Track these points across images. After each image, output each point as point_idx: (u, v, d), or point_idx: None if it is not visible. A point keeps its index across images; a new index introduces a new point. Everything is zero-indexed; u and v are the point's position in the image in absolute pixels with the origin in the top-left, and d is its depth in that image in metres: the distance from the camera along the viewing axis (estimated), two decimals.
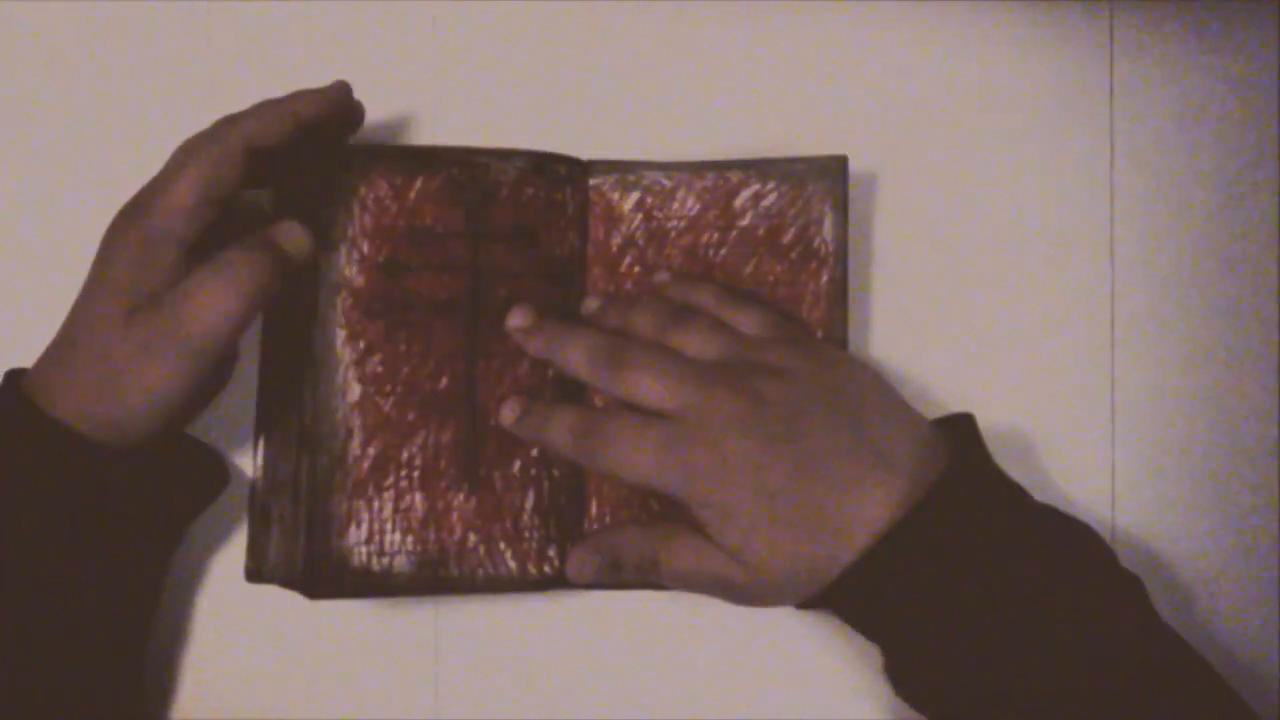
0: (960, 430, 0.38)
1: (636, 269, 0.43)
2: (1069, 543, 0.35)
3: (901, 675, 0.36)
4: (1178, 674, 0.34)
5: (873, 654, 0.42)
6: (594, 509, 0.41)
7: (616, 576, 0.39)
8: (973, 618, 0.33)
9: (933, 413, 0.43)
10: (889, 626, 0.36)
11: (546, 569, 0.40)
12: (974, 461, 0.36)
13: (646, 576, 0.38)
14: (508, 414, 0.40)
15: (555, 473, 0.41)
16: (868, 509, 0.34)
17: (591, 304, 0.42)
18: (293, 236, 0.38)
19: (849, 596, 0.35)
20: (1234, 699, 0.34)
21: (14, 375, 0.37)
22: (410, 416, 0.40)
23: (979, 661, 0.33)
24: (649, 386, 0.37)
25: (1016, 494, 0.36)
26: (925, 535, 0.34)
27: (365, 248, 0.40)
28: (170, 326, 0.35)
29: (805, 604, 0.36)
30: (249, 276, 0.36)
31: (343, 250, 0.40)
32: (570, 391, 0.41)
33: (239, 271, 0.36)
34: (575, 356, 0.39)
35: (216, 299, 0.35)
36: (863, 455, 0.35)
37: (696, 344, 0.38)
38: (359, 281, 0.40)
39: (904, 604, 0.34)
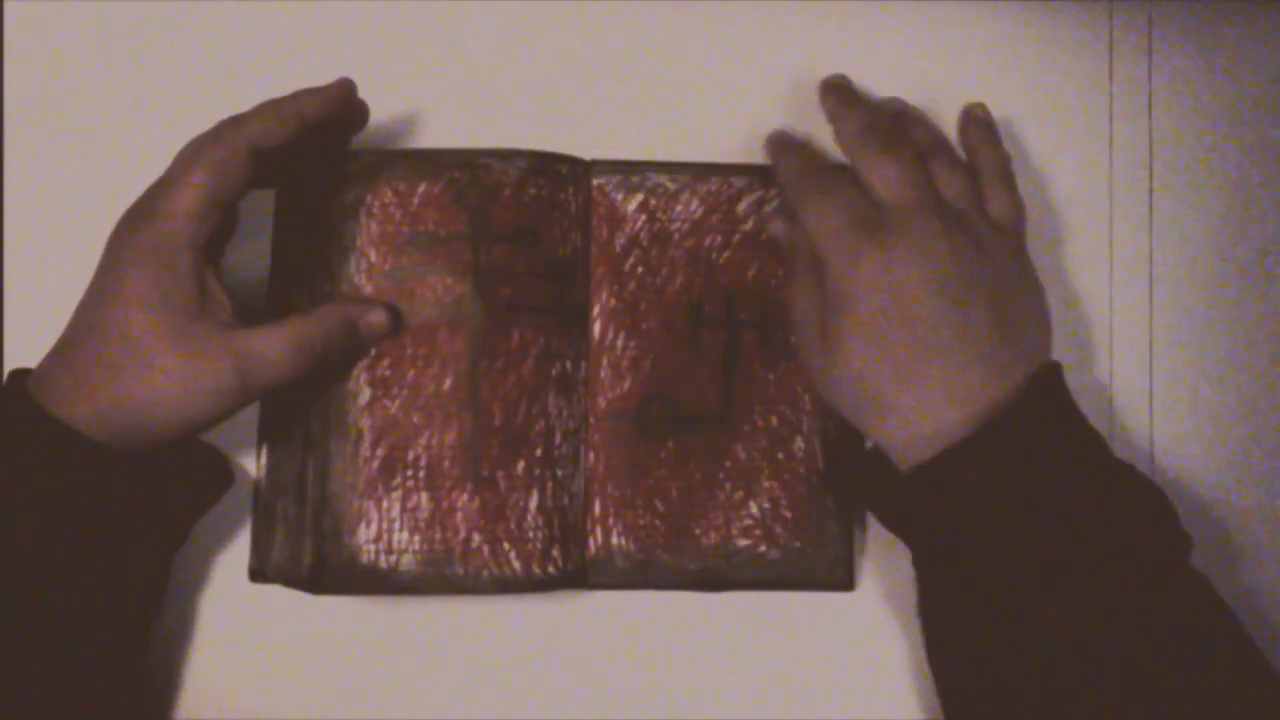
0: (1049, 374, 0.38)
1: (640, 269, 0.43)
2: (1132, 496, 0.36)
3: (934, 599, 0.37)
4: (1210, 643, 0.34)
5: (873, 656, 0.42)
6: (597, 509, 0.42)
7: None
8: (1028, 539, 0.34)
9: None
10: (946, 529, 0.36)
11: (550, 569, 0.40)
12: (1063, 395, 0.37)
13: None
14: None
15: (559, 473, 0.41)
16: (978, 399, 0.35)
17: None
18: (374, 324, 0.40)
19: (922, 484, 0.36)
20: (1261, 665, 0.34)
21: (18, 375, 0.37)
22: (415, 418, 0.40)
23: (1016, 589, 0.34)
24: (893, 173, 0.38)
25: (1096, 438, 0.37)
26: (1007, 447, 0.35)
27: (372, 255, 0.41)
28: (234, 368, 0.36)
29: (871, 496, 0.38)
30: (322, 348, 0.38)
31: (351, 259, 0.41)
32: (572, 390, 0.42)
33: (314, 341, 0.38)
34: (853, 121, 0.40)
35: (287, 360, 0.37)
36: (1004, 345, 0.36)
37: (948, 180, 0.39)
38: (367, 289, 0.41)
39: (957, 511, 0.35)
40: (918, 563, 0.38)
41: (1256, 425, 0.44)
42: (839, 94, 0.42)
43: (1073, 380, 0.37)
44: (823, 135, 0.44)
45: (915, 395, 0.36)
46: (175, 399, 0.36)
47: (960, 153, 0.42)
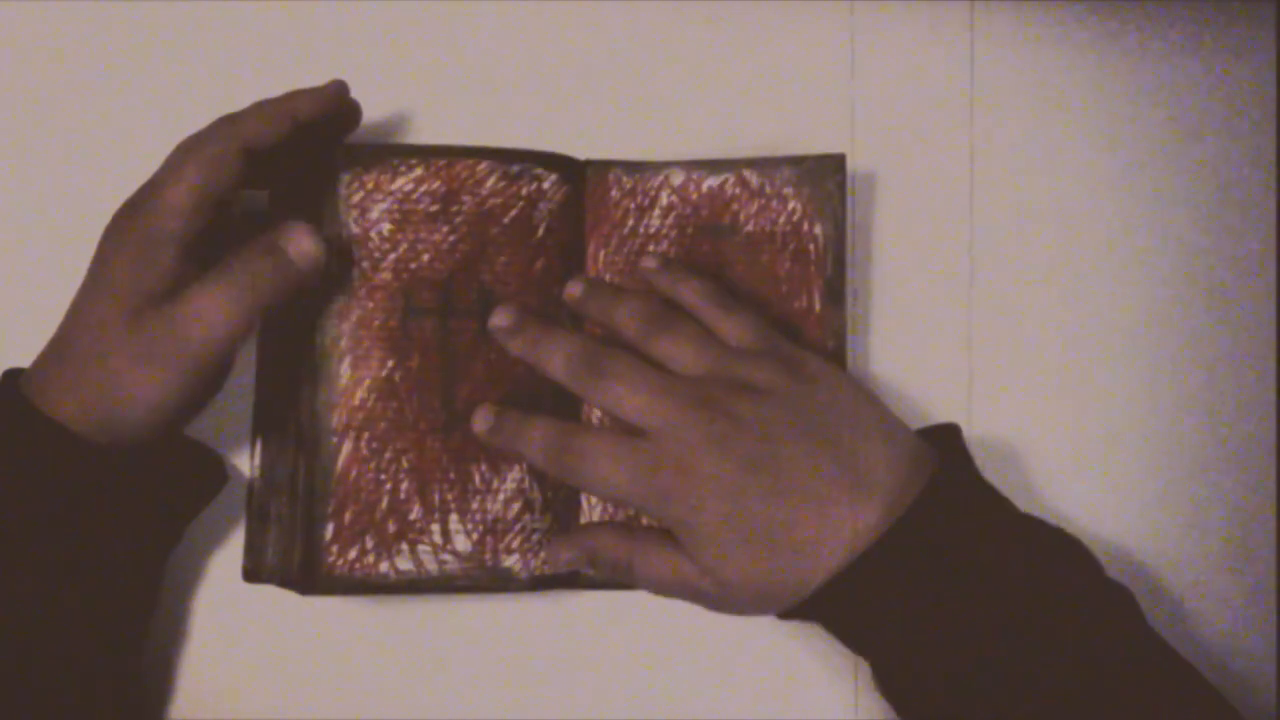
0: (946, 441, 0.38)
1: (635, 269, 0.43)
2: (1054, 553, 0.36)
3: (888, 683, 0.36)
4: (1167, 683, 0.34)
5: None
6: (586, 508, 0.42)
7: (591, 572, 0.39)
8: (958, 628, 0.33)
9: (933, 414, 0.43)
10: (872, 638, 0.36)
11: (546, 569, 0.40)
12: (958, 473, 0.36)
13: (620, 577, 0.38)
14: (479, 424, 0.39)
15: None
16: (843, 529, 0.34)
17: (575, 289, 0.41)
18: (301, 244, 0.38)
19: (827, 610, 0.35)
20: (1225, 708, 0.34)
21: (12, 374, 0.37)
22: (407, 417, 0.40)
23: (965, 671, 0.34)
24: (627, 400, 0.37)
25: (1001, 505, 0.36)
26: (906, 549, 0.34)
27: (356, 252, 0.41)
28: (171, 334, 0.35)
29: (785, 615, 0.36)
30: (252, 287, 0.36)
31: (338, 253, 0.41)
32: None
33: (242, 281, 0.36)
34: (556, 362, 0.38)
35: (219, 309, 0.35)
36: (840, 477, 0.35)
37: (678, 354, 0.38)
38: (362, 289, 0.41)
39: (885, 617, 0.34)
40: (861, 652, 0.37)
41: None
42: (527, 334, 0.39)
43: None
44: (816, 136, 0.44)
45: (810, 536, 0.35)
46: (131, 383, 0.35)
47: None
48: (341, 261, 0.40)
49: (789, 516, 0.35)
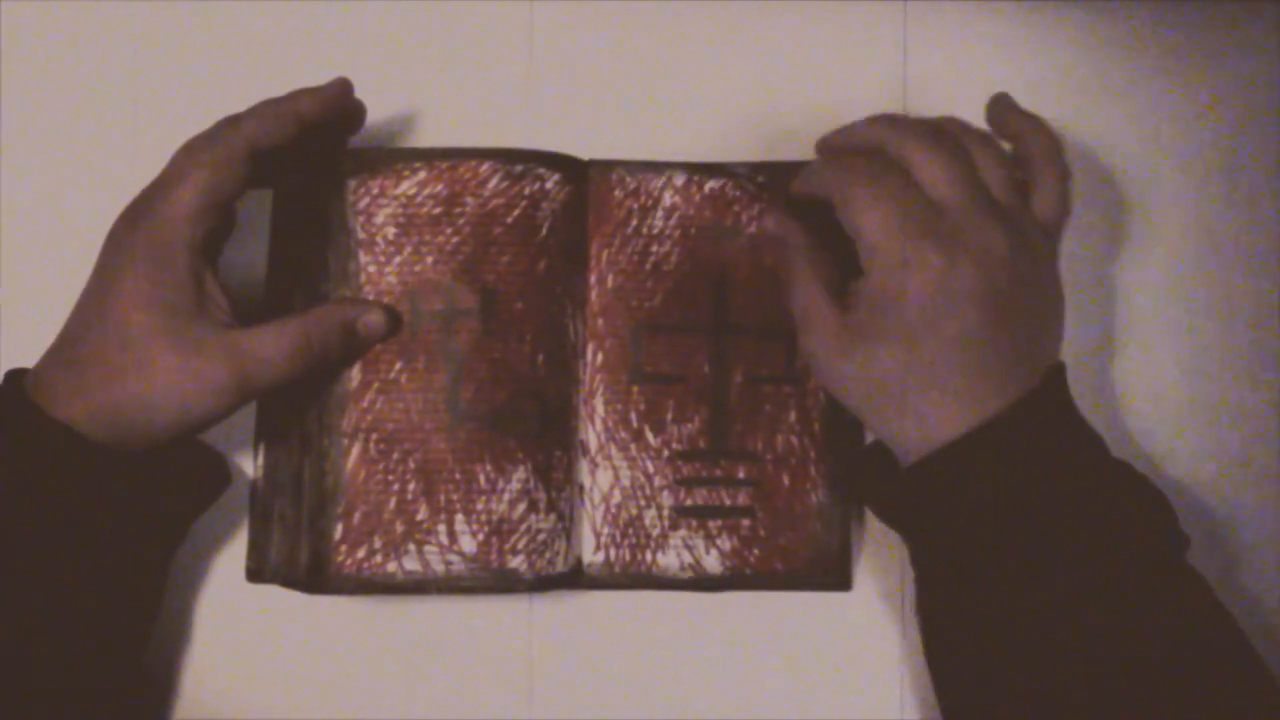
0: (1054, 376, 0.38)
1: (638, 269, 0.43)
2: (1134, 499, 0.36)
3: (928, 584, 0.37)
4: (1215, 661, 0.34)
5: (870, 655, 0.42)
6: (590, 508, 0.42)
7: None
8: (1019, 551, 0.34)
9: None
10: (933, 526, 0.36)
11: (548, 569, 0.40)
12: (1060, 400, 0.37)
13: (782, 271, 0.40)
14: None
15: (556, 475, 0.41)
16: (971, 410, 0.35)
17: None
18: (372, 324, 0.40)
19: (916, 482, 0.36)
20: (1257, 662, 0.34)
21: (15, 375, 0.37)
22: (412, 419, 0.40)
23: (1007, 585, 0.34)
24: (942, 172, 0.36)
25: (1095, 440, 0.37)
26: (1000, 443, 0.35)
27: (370, 256, 0.41)
28: (229, 364, 0.36)
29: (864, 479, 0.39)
30: (319, 346, 0.38)
31: (349, 259, 0.41)
32: (563, 383, 0.42)
33: (312, 339, 0.38)
34: (884, 125, 0.38)
35: (284, 358, 0.37)
36: (999, 363, 0.35)
37: (994, 177, 0.37)
38: (365, 289, 0.41)
39: (954, 507, 0.35)
40: (915, 560, 0.38)
41: (1258, 426, 0.44)
42: (869, 119, 0.40)
43: (1075, 378, 0.37)
44: (816, 137, 0.44)
45: (938, 401, 0.35)
46: (173, 398, 0.36)
47: (1002, 145, 0.40)
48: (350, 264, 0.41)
49: (984, 364, 0.35)
